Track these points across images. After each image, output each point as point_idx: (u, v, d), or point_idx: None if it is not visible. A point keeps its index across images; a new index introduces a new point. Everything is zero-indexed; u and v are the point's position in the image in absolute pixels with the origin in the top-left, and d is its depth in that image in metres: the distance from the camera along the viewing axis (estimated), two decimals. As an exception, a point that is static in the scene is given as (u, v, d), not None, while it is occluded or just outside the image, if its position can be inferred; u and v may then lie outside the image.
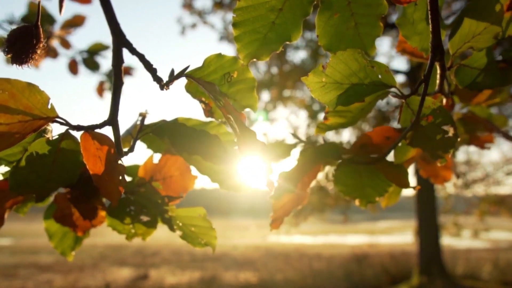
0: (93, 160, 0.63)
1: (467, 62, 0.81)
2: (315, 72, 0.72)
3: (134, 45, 0.71)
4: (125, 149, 0.73)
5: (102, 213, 0.79)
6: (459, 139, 1.13)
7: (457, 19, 0.75)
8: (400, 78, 8.13)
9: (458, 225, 9.80)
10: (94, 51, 2.29)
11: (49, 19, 2.08)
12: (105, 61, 2.61)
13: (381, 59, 8.68)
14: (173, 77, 0.69)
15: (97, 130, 0.66)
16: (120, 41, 0.69)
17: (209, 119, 0.79)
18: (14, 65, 0.62)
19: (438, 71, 0.80)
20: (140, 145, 0.80)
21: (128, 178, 0.84)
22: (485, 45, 0.75)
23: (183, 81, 0.74)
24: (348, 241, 18.16)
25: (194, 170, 0.81)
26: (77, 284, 8.53)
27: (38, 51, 0.64)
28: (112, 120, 0.67)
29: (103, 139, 0.65)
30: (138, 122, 0.77)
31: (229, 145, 0.77)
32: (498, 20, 0.71)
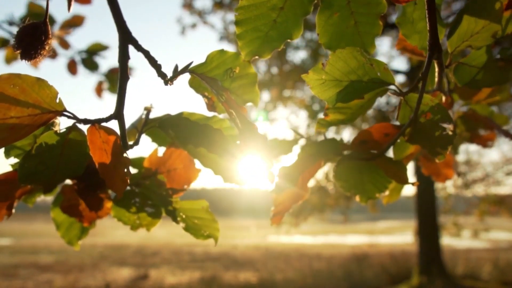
0: (99, 153, 0.65)
1: (466, 60, 0.81)
2: (315, 69, 0.73)
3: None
4: (131, 142, 0.74)
5: (108, 205, 0.81)
6: (460, 137, 1.14)
7: (456, 18, 0.75)
8: (400, 78, 8.13)
9: (458, 225, 9.76)
10: (93, 51, 2.29)
11: (49, 19, 2.09)
12: (104, 61, 2.63)
13: (381, 59, 8.55)
14: (177, 72, 0.71)
15: (103, 124, 0.67)
16: (127, 38, 0.71)
17: (212, 113, 0.81)
18: (23, 60, 0.64)
19: (436, 69, 0.81)
20: (145, 139, 0.82)
21: (133, 170, 0.86)
22: (484, 44, 0.75)
23: (186, 76, 0.76)
24: (348, 241, 18.16)
25: (197, 164, 0.82)
26: (77, 284, 8.53)
27: (47, 47, 0.66)
28: (118, 114, 0.69)
29: (109, 132, 0.66)
30: (143, 116, 0.78)
31: (232, 139, 0.79)
32: (497, 18, 0.71)
